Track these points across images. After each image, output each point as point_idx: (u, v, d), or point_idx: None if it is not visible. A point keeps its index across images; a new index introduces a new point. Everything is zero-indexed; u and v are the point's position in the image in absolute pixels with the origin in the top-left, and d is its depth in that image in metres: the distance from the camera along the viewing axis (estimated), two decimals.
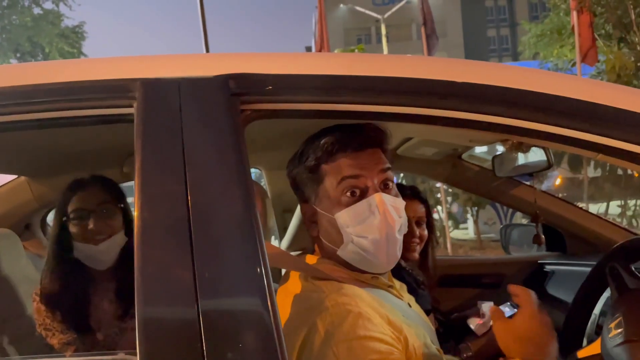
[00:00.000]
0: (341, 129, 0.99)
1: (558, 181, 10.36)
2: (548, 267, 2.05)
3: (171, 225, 0.74)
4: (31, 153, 1.55)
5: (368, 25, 31.15)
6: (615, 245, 1.23)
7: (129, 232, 1.44)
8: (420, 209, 1.77)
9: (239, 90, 0.83)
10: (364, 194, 0.96)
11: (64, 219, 1.45)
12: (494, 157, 1.75)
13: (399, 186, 1.88)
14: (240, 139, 0.80)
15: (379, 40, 12.19)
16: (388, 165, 1.01)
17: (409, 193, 1.78)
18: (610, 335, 1.08)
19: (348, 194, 0.96)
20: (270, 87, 0.83)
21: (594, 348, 1.18)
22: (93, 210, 1.42)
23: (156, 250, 0.73)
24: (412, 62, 0.89)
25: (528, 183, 2.00)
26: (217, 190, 0.76)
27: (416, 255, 1.75)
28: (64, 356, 1.23)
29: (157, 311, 0.71)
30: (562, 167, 7.99)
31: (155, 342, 0.69)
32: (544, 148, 1.52)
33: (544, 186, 10.79)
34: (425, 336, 1.00)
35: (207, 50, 7.13)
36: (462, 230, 9.80)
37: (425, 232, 1.77)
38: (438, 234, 8.95)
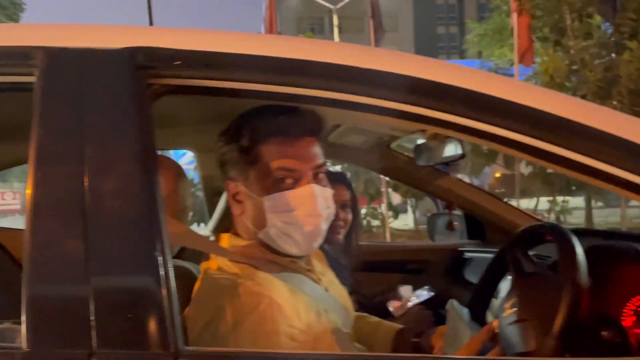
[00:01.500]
0: (281, 111, 0.98)
1: (490, 179, 10.79)
2: (467, 254, 2.15)
3: (65, 200, 0.73)
4: None
5: (321, 15, 31.07)
6: (516, 232, 1.31)
7: None
8: (346, 194, 1.82)
9: (146, 64, 0.82)
10: (296, 182, 0.96)
11: None
12: (415, 147, 1.81)
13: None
14: (145, 113, 0.80)
15: (332, 31, 12.20)
16: (323, 161, 1.01)
17: (334, 178, 1.82)
18: (505, 315, 1.16)
19: (280, 181, 0.96)
20: (179, 62, 0.83)
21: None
22: None
23: (47, 224, 0.72)
24: (326, 46, 0.90)
25: (461, 176, 2.09)
26: (115, 164, 0.76)
27: (340, 237, 1.79)
28: None
29: (45, 282, 0.70)
30: (497, 164, 8.34)
31: (41, 313, 0.69)
32: (458, 139, 1.59)
33: (480, 181, 11.26)
34: (336, 321, 1.03)
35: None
36: (403, 221, 10.05)
37: (350, 216, 1.82)
38: (379, 223, 9.16)
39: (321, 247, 1.69)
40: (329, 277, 1.15)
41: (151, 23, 6.65)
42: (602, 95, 6.68)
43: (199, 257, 1.04)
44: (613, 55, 7.32)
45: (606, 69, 6.86)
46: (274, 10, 7.98)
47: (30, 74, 0.80)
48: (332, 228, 1.77)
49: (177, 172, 1.14)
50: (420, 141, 1.75)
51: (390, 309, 1.78)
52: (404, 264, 2.25)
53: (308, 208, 0.95)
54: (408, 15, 34.87)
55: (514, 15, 6.92)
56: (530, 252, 1.42)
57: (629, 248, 1.29)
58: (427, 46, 34.74)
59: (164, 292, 0.71)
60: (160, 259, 0.72)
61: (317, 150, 1.00)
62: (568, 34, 7.37)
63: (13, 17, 16.10)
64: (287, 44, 0.88)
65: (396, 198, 10.08)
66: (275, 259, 1.00)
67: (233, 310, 0.88)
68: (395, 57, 0.89)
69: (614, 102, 6.43)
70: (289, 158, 0.96)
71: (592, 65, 7.05)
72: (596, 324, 1.05)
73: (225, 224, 1.77)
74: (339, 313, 1.06)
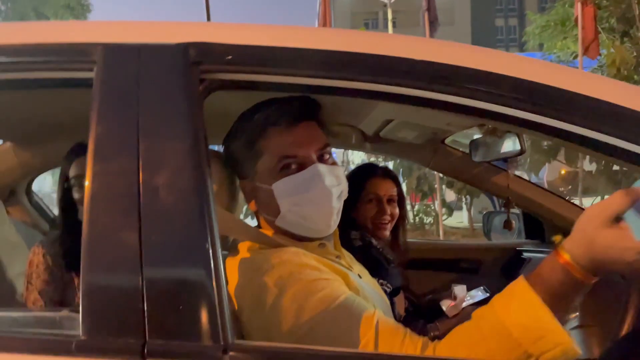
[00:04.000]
0: (274, 103, 1.01)
1: (551, 176, 10.33)
2: (525, 254, 2.07)
3: (120, 192, 0.75)
4: (11, 118, 1.55)
5: (376, 10, 30.87)
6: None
7: None
8: (392, 188, 1.79)
9: (199, 59, 0.83)
10: (301, 167, 0.99)
11: (65, 184, 1.47)
12: (471, 142, 1.75)
13: (372, 165, 1.89)
14: (198, 108, 0.81)
15: (386, 25, 12.07)
16: (325, 142, 1.03)
17: (380, 172, 1.81)
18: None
19: (286, 169, 0.99)
20: (230, 57, 0.83)
21: None
22: None
23: (104, 216, 0.75)
24: (380, 39, 0.88)
25: (519, 173, 2.01)
26: (168, 158, 0.77)
27: (387, 233, 1.77)
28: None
29: (101, 273, 0.73)
30: (558, 160, 7.99)
31: (97, 302, 0.71)
32: (517, 134, 1.52)
33: (539, 178, 10.85)
34: (374, 304, 1.02)
35: None
36: (457, 218, 9.83)
37: (397, 211, 1.79)
38: (432, 220, 8.99)
39: (368, 242, 1.68)
40: (359, 268, 1.15)
41: (209, 18, 6.78)
42: None
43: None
44: None
45: None
46: (328, 5, 7.97)
47: (90, 70, 0.83)
48: (379, 223, 1.75)
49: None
50: (476, 136, 1.69)
51: (444, 308, 1.74)
52: (459, 263, 2.19)
53: (316, 187, 0.97)
54: (465, 8, 34.01)
55: (578, 5, 6.58)
56: None
57: None
58: (484, 39, 33.77)
59: (215, 284, 0.72)
60: (211, 251, 0.73)
61: (317, 133, 1.03)
62: (637, 24, 6.95)
63: (80, 18, 16.86)
64: (338, 37, 0.87)
65: (450, 195, 9.87)
66: (304, 246, 1.01)
67: (273, 280, 0.90)
68: (450, 47, 0.86)
69: None
70: (288, 146, 0.99)
71: None
72: None
73: None
74: (377, 300, 1.05)
